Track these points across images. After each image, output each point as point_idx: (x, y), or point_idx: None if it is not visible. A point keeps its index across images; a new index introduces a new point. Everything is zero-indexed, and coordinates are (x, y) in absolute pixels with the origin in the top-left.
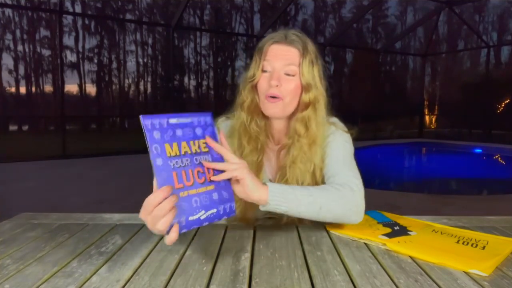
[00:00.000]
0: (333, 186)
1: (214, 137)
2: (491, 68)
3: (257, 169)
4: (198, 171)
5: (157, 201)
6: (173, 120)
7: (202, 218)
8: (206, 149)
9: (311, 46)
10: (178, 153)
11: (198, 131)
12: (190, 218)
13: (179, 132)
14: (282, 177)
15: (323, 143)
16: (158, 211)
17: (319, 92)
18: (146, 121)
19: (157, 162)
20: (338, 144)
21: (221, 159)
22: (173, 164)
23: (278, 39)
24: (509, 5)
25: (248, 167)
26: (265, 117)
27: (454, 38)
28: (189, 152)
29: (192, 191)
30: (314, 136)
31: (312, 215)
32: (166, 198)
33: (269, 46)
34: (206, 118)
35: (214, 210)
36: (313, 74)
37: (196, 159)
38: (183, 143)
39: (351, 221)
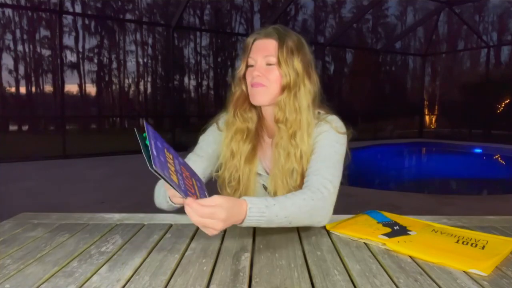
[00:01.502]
0: (307, 194)
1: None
2: (491, 68)
3: (249, 158)
4: (186, 182)
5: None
6: (172, 150)
7: (175, 184)
8: (196, 188)
9: (291, 38)
10: (171, 161)
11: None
12: (166, 174)
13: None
14: (272, 172)
15: (310, 130)
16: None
17: (300, 80)
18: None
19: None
20: (327, 143)
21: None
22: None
23: (258, 35)
24: (509, 5)
25: (224, 211)
26: (255, 108)
27: (454, 38)
28: (179, 171)
29: (174, 174)
30: (294, 122)
31: (281, 226)
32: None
33: (251, 43)
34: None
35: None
36: (292, 61)
37: (187, 179)
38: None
39: (314, 226)
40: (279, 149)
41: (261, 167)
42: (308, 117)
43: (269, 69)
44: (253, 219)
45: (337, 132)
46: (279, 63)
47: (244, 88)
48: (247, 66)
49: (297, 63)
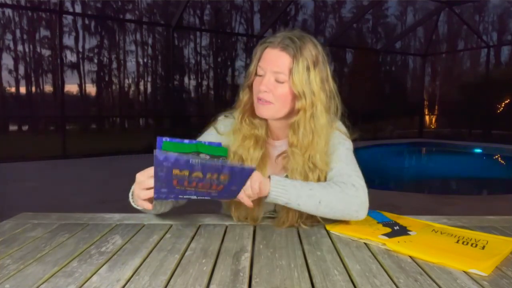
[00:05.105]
0: (335, 183)
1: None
2: (491, 68)
3: (260, 167)
4: (204, 185)
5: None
6: (195, 161)
7: (192, 198)
8: (225, 181)
9: (309, 51)
10: (186, 174)
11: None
12: (180, 196)
13: (197, 173)
14: None
15: (328, 149)
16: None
17: (316, 98)
18: (160, 156)
19: (159, 172)
20: (342, 147)
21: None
22: (177, 179)
23: (272, 43)
24: (509, 5)
25: (259, 178)
26: None
27: (454, 38)
28: (201, 176)
29: (190, 189)
30: (310, 145)
31: (311, 208)
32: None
33: (263, 50)
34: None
35: (207, 198)
36: (307, 80)
37: (211, 180)
38: (197, 173)
39: (352, 217)
40: (295, 175)
41: (266, 172)
42: (326, 136)
43: (277, 85)
44: (278, 187)
45: (347, 137)
46: (293, 83)
47: (251, 96)
48: (256, 74)
49: (314, 81)
